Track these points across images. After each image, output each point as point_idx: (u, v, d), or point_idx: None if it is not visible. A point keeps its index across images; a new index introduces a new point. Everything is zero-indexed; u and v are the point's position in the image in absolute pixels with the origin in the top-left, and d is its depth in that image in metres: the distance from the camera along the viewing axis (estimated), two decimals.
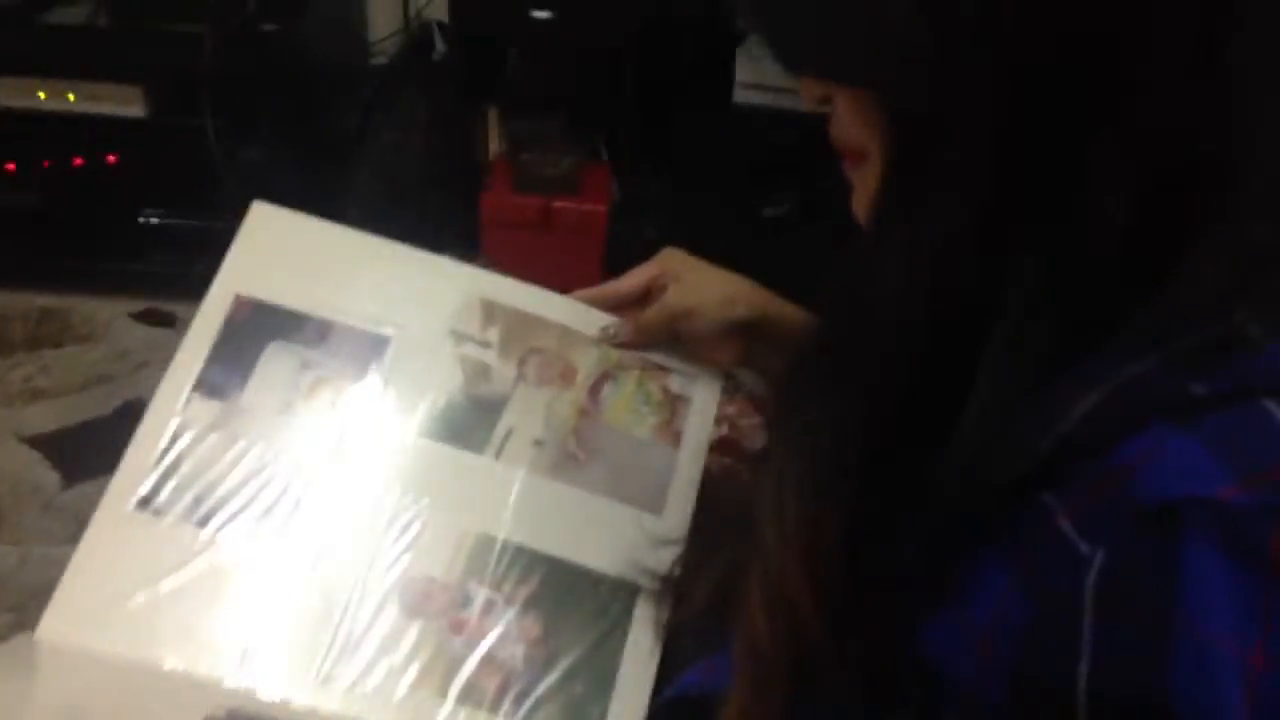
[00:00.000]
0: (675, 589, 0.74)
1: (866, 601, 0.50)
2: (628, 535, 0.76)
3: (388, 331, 0.81)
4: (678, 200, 2.09)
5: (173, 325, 2.04)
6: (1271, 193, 0.45)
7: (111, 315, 2.04)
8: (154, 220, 2.11)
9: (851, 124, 0.52)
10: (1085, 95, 0.44)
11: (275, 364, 0.79)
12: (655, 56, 2.06)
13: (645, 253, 0.86)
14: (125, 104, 1.97)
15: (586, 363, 0.83)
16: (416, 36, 2.15)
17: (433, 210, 2.02)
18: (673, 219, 2.05)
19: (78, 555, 0.70)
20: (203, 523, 0.72)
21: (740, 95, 1.98)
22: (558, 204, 2.06)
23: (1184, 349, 0.43)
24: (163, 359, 2.07)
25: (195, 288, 2.07)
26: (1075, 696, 0.42)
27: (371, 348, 0.80)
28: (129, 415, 1.84)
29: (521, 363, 0.82)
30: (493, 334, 0.83)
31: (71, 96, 1.97)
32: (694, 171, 2.09)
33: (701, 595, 0.67)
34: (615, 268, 0.87)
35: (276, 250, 0.83)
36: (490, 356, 0.82)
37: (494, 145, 2.22)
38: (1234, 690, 0.39)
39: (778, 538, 0.51)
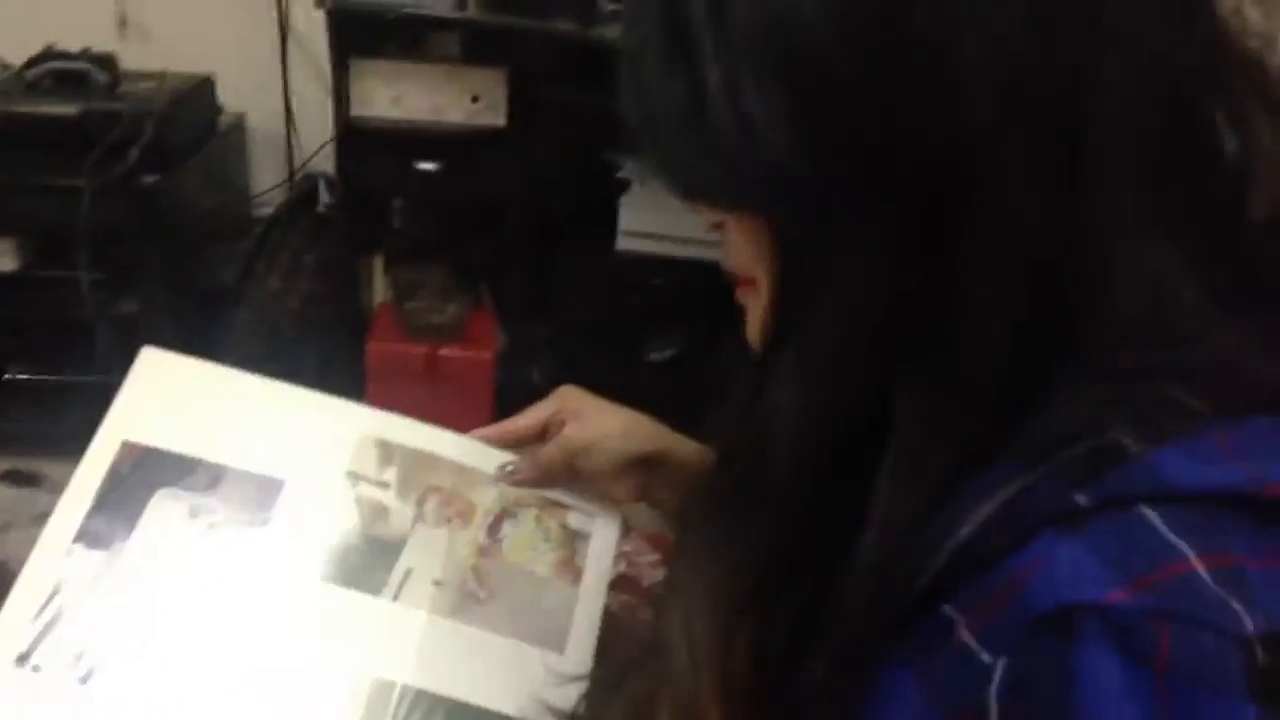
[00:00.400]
0: None
1: None
2: (530, 674, 0.75)
3: (281, 475, 0.79)
4: (563, 345, 2.12)
5: (39, 485, 1.96)
6: (1134, 318, 0.48)
7: None
8: (20, 377, 2.05)
9: (741, 249, 0.54)
10: (955, 224, 0.47)
11: (163, 511, 0.77)
12: (539, 205, 2.11)
13: (532, 398, 0.87)
14: None
15: (485, 501, 0.83)
16: (301, 188, 2.17)
17: (316, 359, 2.01)
18: (559, 364, 2.08)
19: None
20: (85, 679, 0.69)
21: (624, 242, 2.04)
22: (444, 351, 2.07)
23: (1066, 461, 0.45)
24: (27, 520, 1.99)
25: (62, 445, 2.00)
26: None
27: (265, 492, 0.79)
28: None
29: (420, 502, 0.81)
30: (390, 474, 0.82)
31: None
32: (579, 317, 2.12)
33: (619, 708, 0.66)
34: (503, 414, 0.87)
35: (166, 395, 0.82)
36: (388, 496, 0.81)
37: (378, 294, 2.24)
38: None
39: (688, 664, 0.52)
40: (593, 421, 0.85)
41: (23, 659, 0.69)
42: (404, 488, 0.82)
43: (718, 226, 0.57)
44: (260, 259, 2.07)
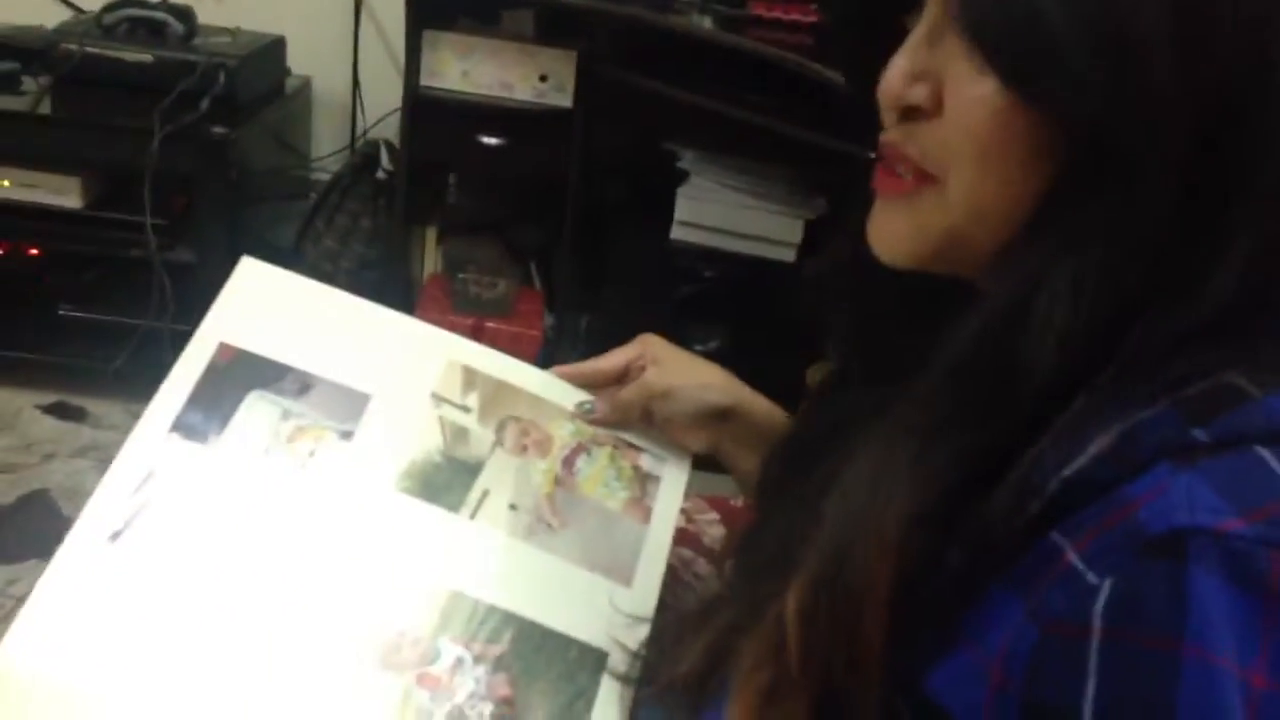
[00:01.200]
0: (644, 662, 0.75)
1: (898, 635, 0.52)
2: (597, 604, 0.77)
3: (368, 389, 0.82)
4: (609, 329, 2.14)
5: (83, 420, 2.00)
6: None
7: (20, 406, 1.99)
8: (74, 314, 2.09)
9: (963, 135, 0.53)
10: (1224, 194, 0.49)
11: (255, 411, 0.79)
12: (597, 188, 2.14)
13: None
14: (61, 194, 1.97)
15: (562, 434, 0.85)
16: (363, 153, 2.21)
17: None
18: (604, 348, 2.10)
19: (43, 584, 0.69)
20: (176, 560, 0.72)
21: (678, 232, 2.07)
22: (491, 325, 2.09)
23: (1183, 399, 0.47)
24: (69, 451, 2.02)
25: (110, 384, 2.04)
26: (1081, 717, 0.44)
27: (352, 404, 0.81)
28: (30, 505, 1.79)
29: (499, 429, 0.84)
30: (472, 399, 0.84)
31: (6, 183, 1.96)
32: (627, 302, 2.15)
33: (689, 665, 0.67)
34: None
35: (262, 304, 0.84)
36: (469, 420, 0.83)
37: (429, 265, 2.27)
38: (1236, 708, 0.42)
39: (865, 561, 0.52)
40: (673, 369, 0.87)
41: (116, 536, 0.72)
42: (485, 414, 0.84)
43: (910, 113, 0.56)
44: (318, 219, 2.10)
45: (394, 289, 2.17)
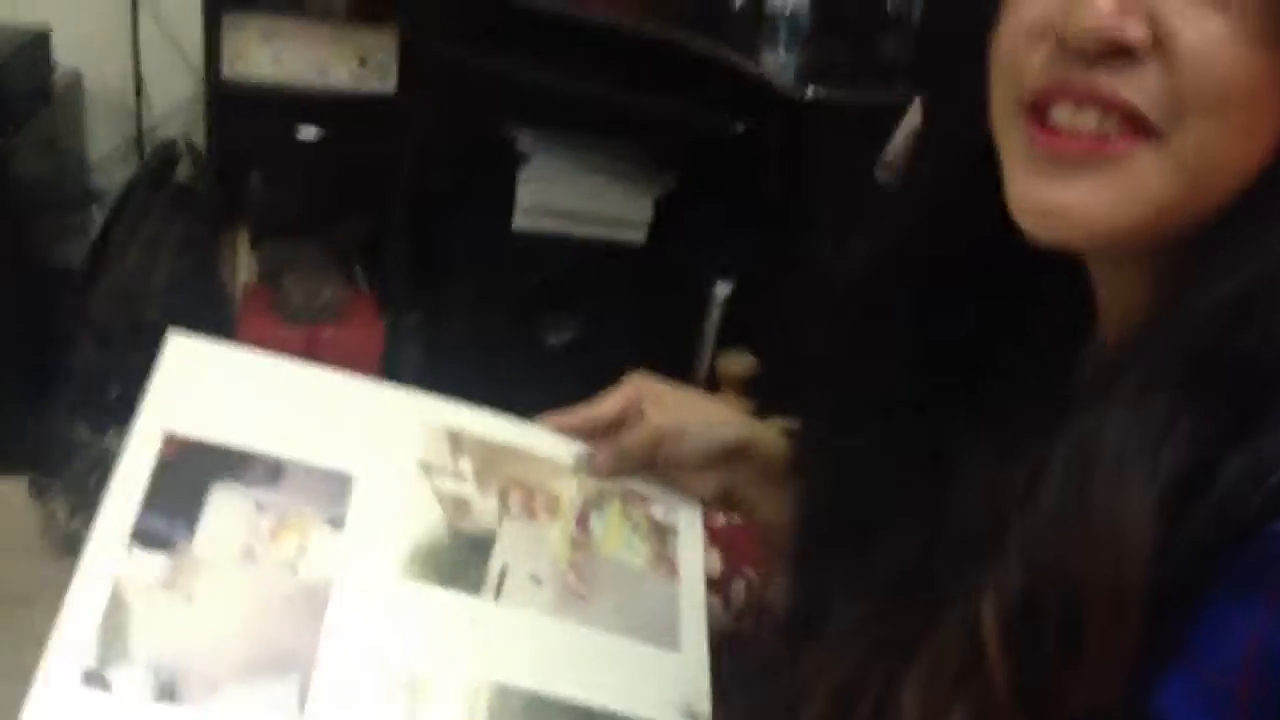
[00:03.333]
0: None
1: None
2: (651, 674, 0.70)
3: (349, 468, 0.72)
4: (449, 329, 2.04)
5: None
6: None
7: None
8: None
9: (1199, 80, 0.47)
10: None
11: (226, 507, 0.67)
12: (428, 179, 2.02)
13: (422, 385, 0.82)
14: None
15: (568, 492, 0.76)
16: (159, 155, 2.01)
17: None
18: (450, 348, 2.00)
19: None
20: (164, 696, 0.61)
21: (520, 220, 1.98)
22: (324, 335, 1.96)
23: None
24: None
25: None
26: None
27: (334, 487, 0.70)
28: None
29: (503, 495, 0.75)
30: (465, 465, 0.75)
31: None
32: (468, 299, 2.05)
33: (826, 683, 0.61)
34: None
35: (204, 385, 0.73)
36: (468, 489, 0.74)
37: (243, 274, 2.10)
38: None
39: (1119, 556, 0.47)
40: (677, 407, 0.80)
41: (91, 677, 0.60)
42: (482, 480, 0.75)
43: (1120, 52, 0.48)
44: (116, 232, 1.90)
45: (210, 303, 2.00)
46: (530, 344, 2.01)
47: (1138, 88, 0.48)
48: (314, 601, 0.67)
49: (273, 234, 2.09)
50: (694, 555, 0.78)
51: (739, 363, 1.79)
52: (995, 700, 0.49)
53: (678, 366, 1.81)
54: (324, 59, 1.87)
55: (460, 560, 0.71)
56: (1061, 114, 0.50)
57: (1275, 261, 0.47)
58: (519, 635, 0.69)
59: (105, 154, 2.15)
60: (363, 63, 1.88)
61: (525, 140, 1.97)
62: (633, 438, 0.78)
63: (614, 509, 0.78)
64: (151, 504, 0.66)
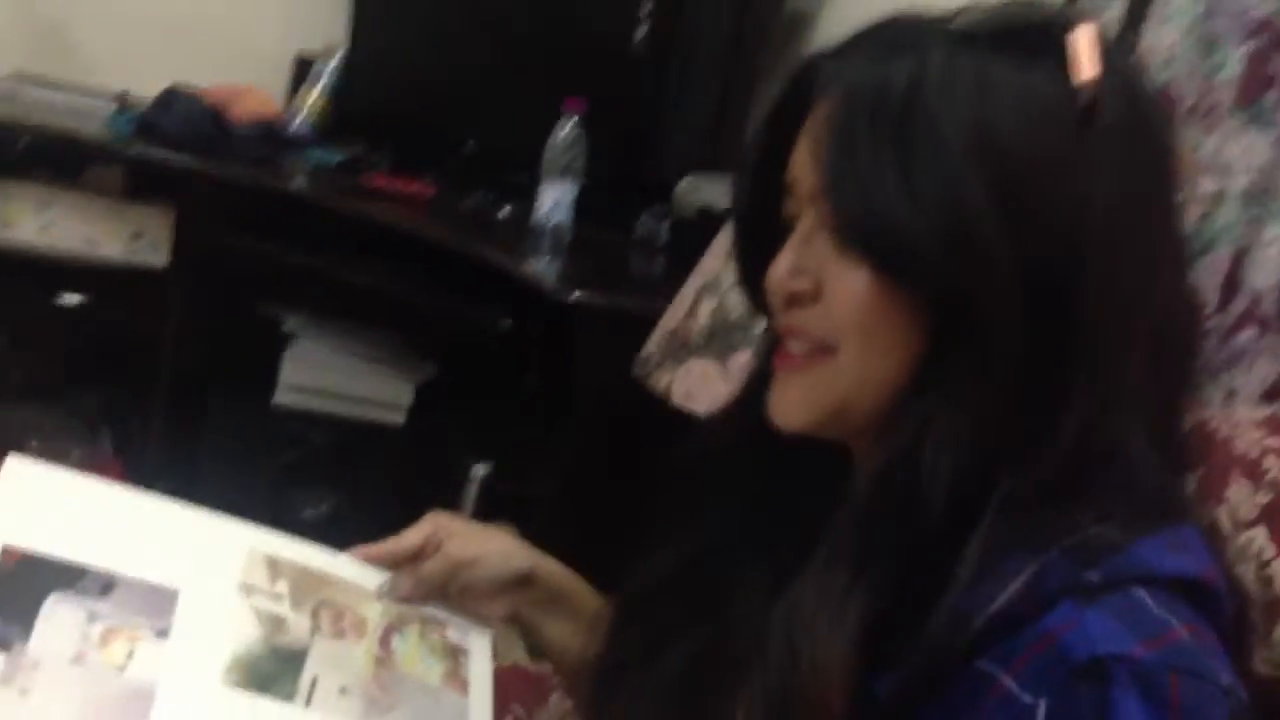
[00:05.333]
0: None
1: None
2: None
3: (174, 584, 0.78)
4: (206, 498, 2.04)
5: None
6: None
7: None
8: None
9: (846, 315, 0.64)
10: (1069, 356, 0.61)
11: (59, 615, 0.73)
12: (189, 351, 2.06)
13: None
14: None
15: (373, 615, 0.84)
16: None
17: None
18: None
19: None
20: None
21: (282, 396, 2.05)
22: None
23: (1071, 548, 0.60)
24: None
25: None
26: None
27: (160, 601, 0.76)
28: None
29: (314, 614, 0.82)
30: (281, 587, 0.82)
31: None
32: (225, 470, 2.07)
33: None
34: None
35: (40, 503, 0.79)
36: (283, 608, 0.81)
37: None
38: None
39: (812, 670, 0.60)
40: (472, 540, 0.91)
41: None
42: (297, 600, 0.82)
43: (796, 300, 0.66)
44: None
45: None
46: (286, 516, 2.03)
47: (809, 321, 0.67)
48: (140, 701, 0.73)
49: (16, 395, 2.06)
50: (484, 673, 0.87)
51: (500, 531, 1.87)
52: None
53: None
54: (96, 230, 1.92)
55: (275, 670, 0.78)
56: (786, 340, 0.69)
57: (907, 440, 0.62)
58: None
59: None
60: (137, 237, 1.94)
61: (292, 321, 2.06)
62: (430, 566, 0.88)
63: (414, 631, 0.87)
64: None
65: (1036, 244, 0.61)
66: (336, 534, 2.03)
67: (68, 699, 0.71)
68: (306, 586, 0.84)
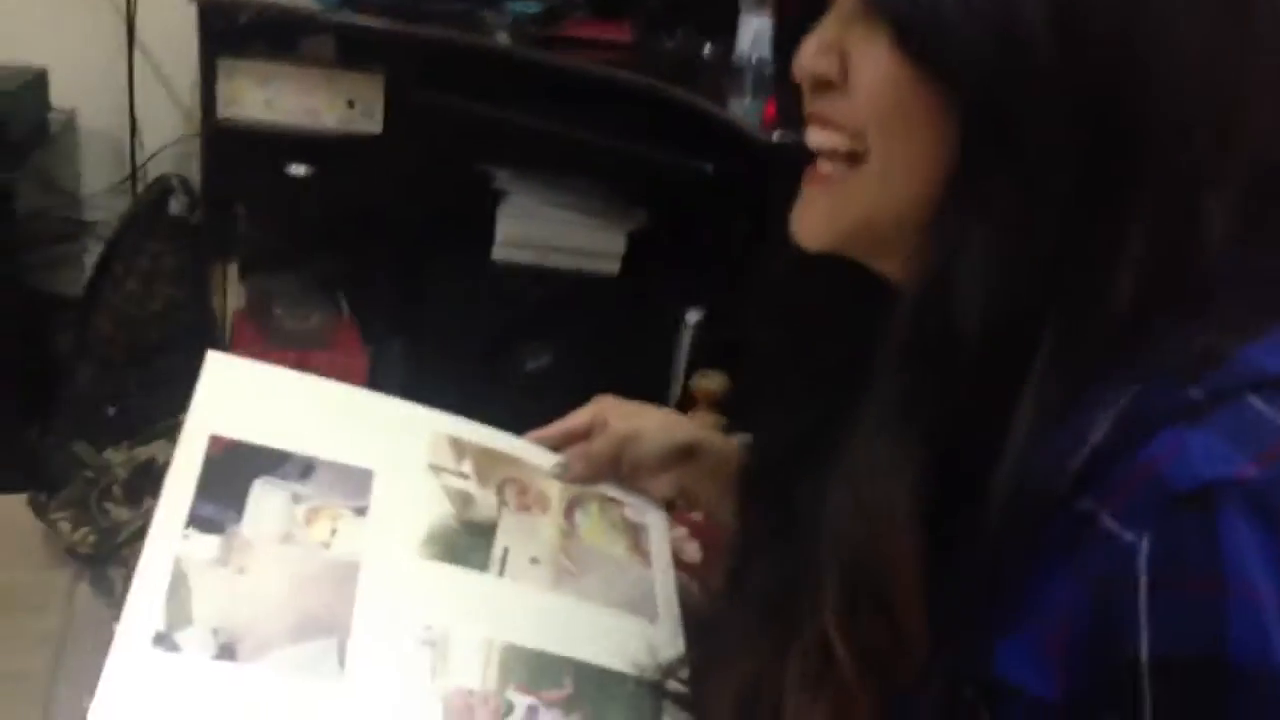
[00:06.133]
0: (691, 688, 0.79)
1: (944, 619, 0.56)
2: (636, 639, 0.81)
3: (369, 465, 0.82)
4: (429, 355, 2.15)
5: None
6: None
7: None
8: None
9: (869, 101, 0.57)
10: (1130, 181, 0.54)
11: (266, 498, 0.78)
12: (411, 214, 2.14)
13: None
14: None
15: (555, 492, 0.88)
16: (155, 189, 2.11)
17: (181, 366, 1.96)
18: (431, 373, 2.10)
19: (98, 702, 0.68)
20: (224, 656, 0.71)
21: (499, 253, 2.10)
22: (314, 359, 2.06)
23: (1173, 367, 0.53)
24: None
25: None
26: (1139, 667, 0.50)
27: (357, 482, 0.81)
28: None
29: (500, 490, 0.86)
30: (467, 466, 0.85)
31: None
32: (448, 326, 2.16)
33: (731, 690, 0.69)
34: None
35: (241, 395, 0.83)
36: (470, 485, 0.85)
37: (233, 301, 2.20)
38: (1276, 634, 0.48)
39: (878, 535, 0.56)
40: (635, 416, 0.92)
41: (160, 639, 0.70)
42: (482, 478, 0.86)
43: (822, 85, 0.59)
44: (115, 263, 2.00)
45: (206, 329, 2.10)
46: (507, 369, 2.12)
47: (833, 110, 0.60)
48: (345, 575, 0.77)
49: (261, 265, 2.19)
50: (663, 548, 0.90)
51: (713, 380, 1.89)
52: (847, 689, 0.58)
53: (650, 389, 1.93)
54: (314, 101, 1.98)
55: (468, 543, 0.82)
56: (809, 135, 0.62)
57: (946, 254, 0.55)
58: (523, 604, 0.80)
59: (100, 189, 2.25)
60: (351, 104, 1.99)
61: (503, 178, 2.09)
62: (598, 444, 0.90)
63: (593, 506, 0.89)
64: (203, 494, 0.77)
65: (1091, 42, 0.54)
66: (557, 384, 2.12)
67: (281, 575, 0.76)
68: (490, 465, 0.87)
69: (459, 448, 0.88)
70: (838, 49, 0.59)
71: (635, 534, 0.90)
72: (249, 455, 0.80)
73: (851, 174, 0.60)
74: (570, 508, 0.88)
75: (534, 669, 0.76)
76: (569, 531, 0.86)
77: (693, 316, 2.06)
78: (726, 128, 1.81)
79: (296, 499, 0.80)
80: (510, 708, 0.74)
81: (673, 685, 0.78)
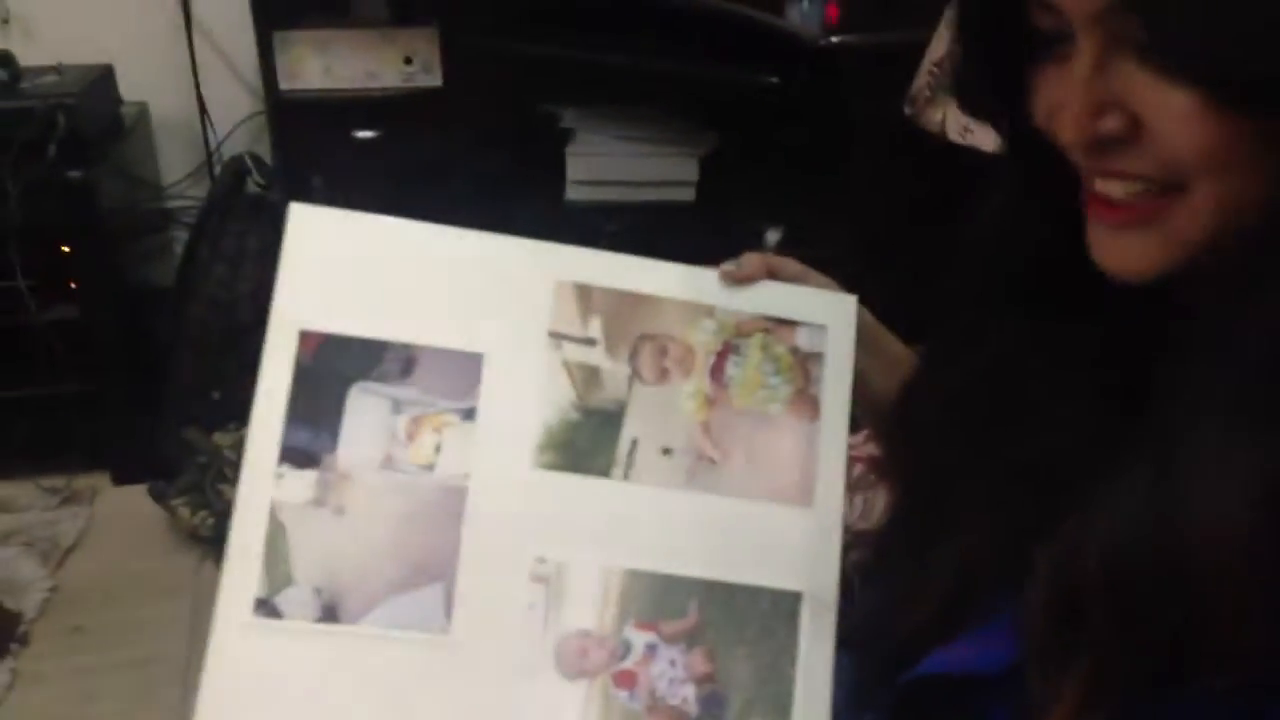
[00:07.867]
0: (848, 583, 0.68)
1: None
2: (779, 537, 0.68)
3: (478, 347, 0.67)
4: None
5: None
6: None
7: None
8: None
9: (1183, 151, 0.50)
10: None
11: (363, 411, 0.66)
12: (483, 162, 2.01)
13: None
14: None
15: (703, 338, 0.71)
16: (230, 170, 2.01)
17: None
18: None
19: (205, 682, 0.59)
20: (327, 617, 0.61)
21: (573, 192, 1.97)
22: None
23: None
24: None
25: (16, 463, 1.85)
26: None
27: (465, 372, 0.67)
28: None
29: (633, 356, 0.70)
30: (595, 327, 0.69)
31: None
32: None
33: (940, 582, 0.61)
34: None
35: (332, 263, 0.67)
36: (598, 356, 0.69)
37: None
38: None
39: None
40: (798, 265, 0.76)
41: (262, 605, 0.60)
42: (612, 341, 0.70)
43: (1107, 142, 0.52)
44: (201, 249, 1.90)
45: None
46: None
47: (1134, 164, 0.52)
48: (452, 505, 0.65)
49: None
50: (840, 383, 0.71)
51: None
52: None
53: None
54: (372, 63, 1.86)
55: (590, 441, 0.68)
56: (1103, 186, 0.54)
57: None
58: (648, 514, 0.67)
59: (178, 176, 2.16)
60: (408, 61, 1.87)
61: (569, 117, 1.95)
62: (749, 255, 0.74)
63: (754, 346, 0.71)
64: (294, 415, 0.65)
65: None
66: None
67: (385, 515, 0.64)
68: (623, 317, 0.70)
69: (586, 300, 0.70)
70: (1118, 104, 0.52)
71: (805, 373, 0.71)
72: (343, 352, 0.67)
73: (1173, 205, 0.53)
74: (722, 357, 0.71)
75: (656, 597, 0.65)
76: (714, 398, 0.70)
77: (772, 236, 1.92)
78: (787, 37, 1.67)
79: (397, 406, 0.67)
80: (628, 648, 0.64)
81: (811, 590, 0.66)
